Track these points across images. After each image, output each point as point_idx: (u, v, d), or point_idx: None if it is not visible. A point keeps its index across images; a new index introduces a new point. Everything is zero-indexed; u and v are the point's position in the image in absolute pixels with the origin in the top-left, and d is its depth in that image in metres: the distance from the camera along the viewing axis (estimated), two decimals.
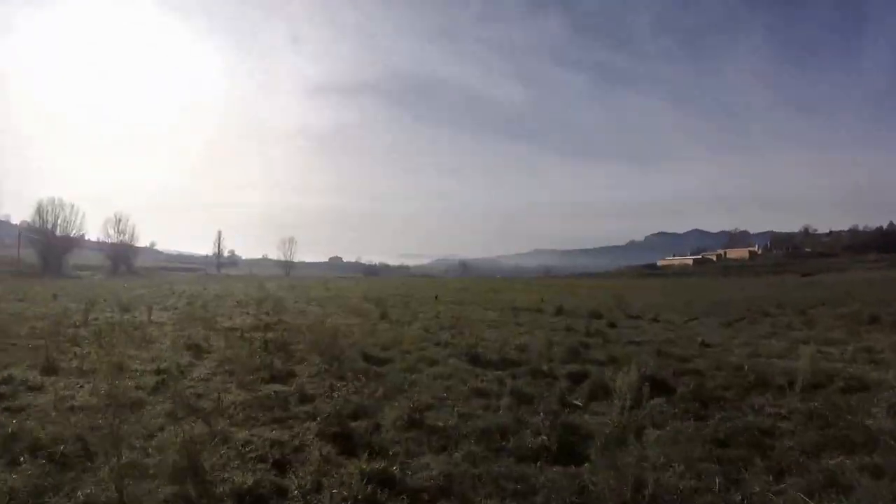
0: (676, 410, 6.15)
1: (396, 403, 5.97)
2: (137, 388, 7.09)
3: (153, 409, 6.19)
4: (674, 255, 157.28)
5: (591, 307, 20.28)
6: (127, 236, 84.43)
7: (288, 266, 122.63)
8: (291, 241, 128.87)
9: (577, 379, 7.71)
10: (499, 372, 8.16)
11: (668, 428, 5.53)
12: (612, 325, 15.13)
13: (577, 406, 6.29)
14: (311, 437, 5.17)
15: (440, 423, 5.49)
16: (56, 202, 75.29)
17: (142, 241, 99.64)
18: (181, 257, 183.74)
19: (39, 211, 74.69)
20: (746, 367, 8.32)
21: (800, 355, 10.42)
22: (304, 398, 6.60)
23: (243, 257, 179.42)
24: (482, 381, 7.46)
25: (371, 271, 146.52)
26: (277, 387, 7.18)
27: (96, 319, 15.08)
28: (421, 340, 11.49)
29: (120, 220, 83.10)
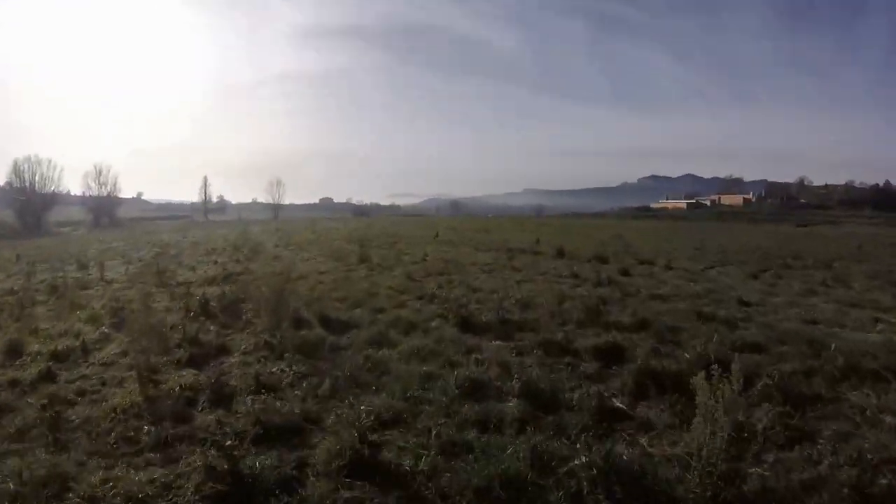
0: (771, 423, 4.05)
1: (343, 414, 3.80)
2: (12, 383, 5.04)
3: (11, 419, 4.18)
4: (668, 198, 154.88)
5: (594, 249, 18.19)
6: (109, 188, 79.73)
7: (276, 209, 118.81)
8: (279, 183, 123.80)
9: (605, 356, 5.60)
10: (499, 342, 6.02)
11: (773, 462, 3.44)
12: (625, 273, 13.04)
13: (621, 412, 4.15)
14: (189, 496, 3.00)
15: (405, 467, 3.31)
16: (32, 159, 70.98)
17: (127, 192, 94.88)
18: (170, 206, 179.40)
19: (16, 170, 70.55)
20: (833, 347, 6.19)
21: (863, 324, 8.56)
22: (219, 397, 4.46)
23: (233, 202, 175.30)
24: (477, 361, 5.29)
25: (361, 211, 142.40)
26: (191, 374, 5.04)
27: (42, 281, 12.74)
28: (401, 293, 9.35)
29: (100, 172, 78.33)
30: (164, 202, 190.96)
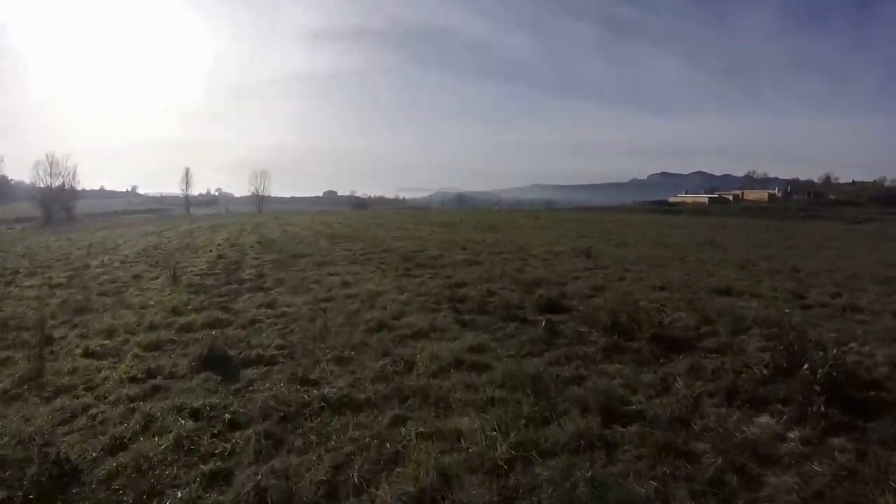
0: None
1: None
2: None
3: None
4: (686, 192, 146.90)
5: (683, 269, 10.91)
6: (64, 179, 70.30)
7: (260, 201, 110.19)
8: (264, 174, 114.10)
9: None
10: None
11: None
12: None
13: None
14: None
15: None
16: None
17: (121, 186, 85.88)
18: (164, 199, 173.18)
19: None
20: None
21: None
22: None
23: (236, 195, 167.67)
24: None
25: (359, 204, 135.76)
26: None
27: None
28: None
29: (52, 162, 68.97)
30: (157, 195, 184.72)
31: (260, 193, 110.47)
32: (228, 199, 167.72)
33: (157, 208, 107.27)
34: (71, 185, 70.12)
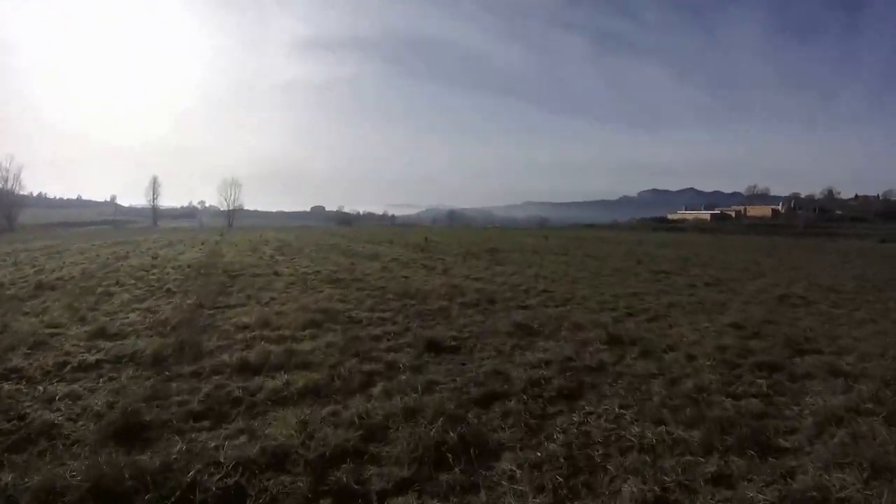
0: None
1: None
2: None
3: None
4: (685, 208, 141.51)
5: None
6: (8, 184, 63.52)
7: (231, 214, 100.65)
8: (234, 184, 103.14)
9: None
10: None
11: None
12: None
13: None
14: None
15: None
16: None
17: (100, 196, 78.93)
18: (139, 211, 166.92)
19: None
20: None
21: None
22: None
23: (222, 208, 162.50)
24: None
25: (344, 220, 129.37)
26: None
27: None
28: None
29: None
30: (139, 206, 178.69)
31: (230, 206, 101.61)
32: (213, 211, 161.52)
33: (112, 220, 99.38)
34: (12, 191, 63.14)
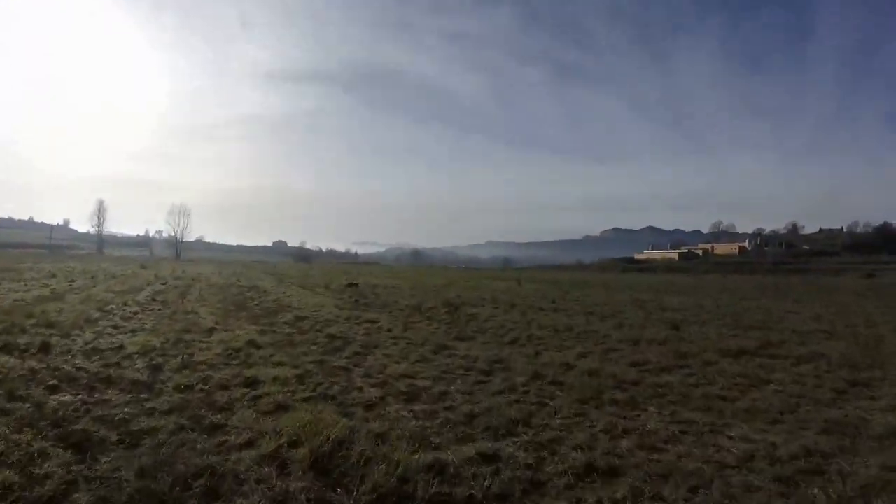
0: None
1: None
2: None
3: None
4: (651, 248, 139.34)
5: None
6: None
7: (179, 245, 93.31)
8: (183, 212, 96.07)
9: None
10: None
11: None
12: None
13: None
14: None
15: None
16: None
17: (53, 219, 71.83)
18: (113, 238, 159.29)
19: None
20: None
21: None
22: None
23: (184, 239, 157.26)
24: None
25: (302, 257, 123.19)
26: None
27: None
28: None
29: None
30: (107, 234, 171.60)
31: (179, 234, 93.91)
32: (169, 241, 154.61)
33: (50, 244, 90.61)
34: None
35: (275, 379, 5.22)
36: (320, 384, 5.32)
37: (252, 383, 5.17)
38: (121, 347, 6.77)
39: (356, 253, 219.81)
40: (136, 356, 6.26)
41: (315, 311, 11.98)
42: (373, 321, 10.58)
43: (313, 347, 7.40)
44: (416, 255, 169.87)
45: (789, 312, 15.28)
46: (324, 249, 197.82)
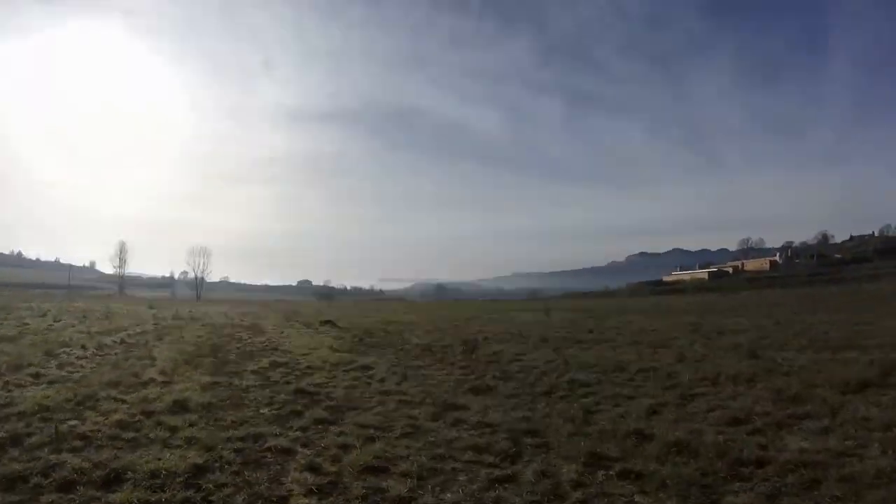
0: None
1: None
2: None
3: None
4: (679, 269, 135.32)
5: None
6: None
7: (200, 284, 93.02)
8: (203, 252, 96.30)
9: None
10: None
11: None
12: None
13: None
14: None
15: None
16: None
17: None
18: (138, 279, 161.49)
19: None
20: None
21: None
22: None
23: (209, 280, 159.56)
24: None
25: (325, 295, 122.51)
26: None
27: None
28: None
29: None
30: (133, 274, 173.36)
31: (199, 275, 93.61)
32: (192, 282, 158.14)
33: (68, 285, 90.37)
34: None
35: (152, 474, 3.38)
36: (221, 487, 3.44)
37: (113, 480, 3.33)
38: (8, 404, 5.07)
39: (381, 290, 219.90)
40: (15, 417, 4.57)
41: (304, 355, 10.23)
42: (366, 367, 8.77)
43: (263, 411, 5.64)
44: (440, 289, 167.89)
45: (861, 325, 13.13)
46: (348, 287, 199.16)
